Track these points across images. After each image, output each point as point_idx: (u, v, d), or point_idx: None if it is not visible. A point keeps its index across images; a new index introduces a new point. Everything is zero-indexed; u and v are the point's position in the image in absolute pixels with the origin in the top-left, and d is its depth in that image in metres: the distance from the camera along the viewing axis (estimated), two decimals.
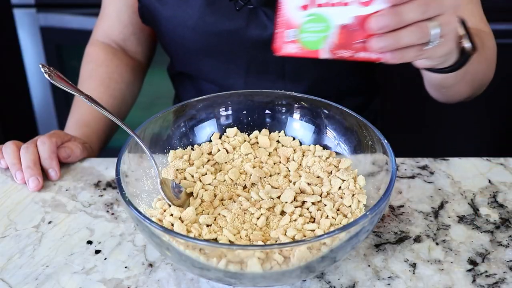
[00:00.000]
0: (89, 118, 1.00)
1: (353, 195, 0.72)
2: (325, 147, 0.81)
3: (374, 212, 0.62)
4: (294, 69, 0.99)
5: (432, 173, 0.88)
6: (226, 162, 0.79)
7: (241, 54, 0.98)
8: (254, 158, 0.80)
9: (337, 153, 0.80)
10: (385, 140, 0.72)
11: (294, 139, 0.82)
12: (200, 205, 0.72)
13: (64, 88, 0.73)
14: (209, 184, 0.75)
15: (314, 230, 0.68)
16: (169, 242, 0.62)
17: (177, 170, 0.77)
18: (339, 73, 1.03)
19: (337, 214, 0.70)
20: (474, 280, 0.71)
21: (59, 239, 0.77)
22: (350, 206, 0.71)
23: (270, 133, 0.83)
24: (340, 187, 0.74)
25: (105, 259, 0.74)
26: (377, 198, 0.69)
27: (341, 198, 0.72)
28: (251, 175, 0.76)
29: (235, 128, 0.82)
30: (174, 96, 1.21)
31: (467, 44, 0.77)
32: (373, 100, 1.15)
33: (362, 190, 0.73)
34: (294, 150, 0.81)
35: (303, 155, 0.80)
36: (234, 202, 0.73)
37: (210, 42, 0.97)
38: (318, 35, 0.65)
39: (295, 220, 0.69)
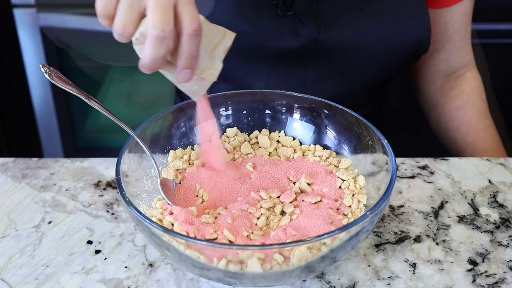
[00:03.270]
0: None
1: (353, 195, 0.72)
2: (325, 147, 0.81)
3: (374, 212, 0.62)
4: (317, 80, 0.98)
5: (432, 173, 0.88)
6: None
7: (266, 58, 0.96)
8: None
9: (337, 153, 0.80)
10: (385, 140, 0.72)
11: (294, 139, 0.82)
12: (200, 204, 0.72)
13: (64, 88, 0.73)
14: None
15: None
16: (169, 242, 0.62)
17: (177, 170, 0.77)
18: (362, 87, 1.02)
19: (337, 214, 0.70)
20: (474, 280, 0.71)
21: (59, 239, 0.77)
22: (350, 206, 0.71)
23: (270, 133, 0.83)
24: (340, 187, 0.74)
25: (105, 259, 0.74)
26: (377, 198, 0.69)
27: (341, 198, 0.72)
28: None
29: (235, 128, 0.82)
30: (175, 96, 1.21)
31: None
32: (380, 108, 1.15)
33: (362, 190, 0.73)
34: (294, 150, 0.81)
35: (303, 155, 0.80)
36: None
37: (239, 42, 0.94)
38: None
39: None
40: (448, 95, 1.09)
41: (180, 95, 1.17)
